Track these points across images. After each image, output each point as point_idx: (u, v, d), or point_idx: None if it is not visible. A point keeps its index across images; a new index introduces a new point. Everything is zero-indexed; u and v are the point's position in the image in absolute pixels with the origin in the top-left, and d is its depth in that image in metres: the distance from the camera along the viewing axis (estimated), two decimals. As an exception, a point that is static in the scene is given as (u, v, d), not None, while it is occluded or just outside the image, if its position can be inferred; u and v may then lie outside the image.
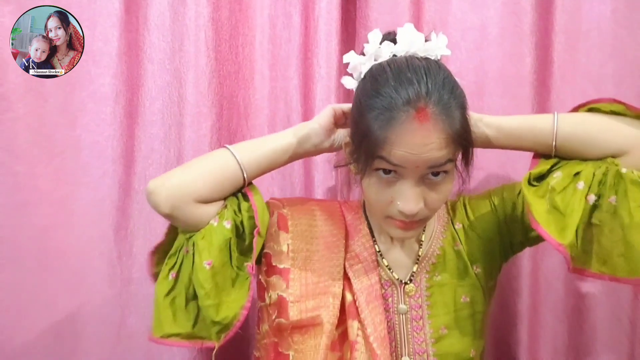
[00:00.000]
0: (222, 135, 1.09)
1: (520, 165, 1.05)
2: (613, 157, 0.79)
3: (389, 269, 0.88)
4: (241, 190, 0.86)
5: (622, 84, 1.06)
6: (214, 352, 0.82)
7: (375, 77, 0.76)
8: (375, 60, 0.79)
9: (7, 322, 1.05)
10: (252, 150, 0.86)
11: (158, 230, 1.07)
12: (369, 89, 0.75)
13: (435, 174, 0.75)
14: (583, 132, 0.80)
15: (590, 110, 0.83)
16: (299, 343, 0.82)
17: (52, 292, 1.06)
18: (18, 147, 1.04)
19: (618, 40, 1.06)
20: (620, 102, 0.80)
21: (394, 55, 0.78)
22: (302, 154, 0.89)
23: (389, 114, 0.71)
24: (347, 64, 0.82)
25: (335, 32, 1.07)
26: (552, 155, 0.83)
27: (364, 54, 0.80)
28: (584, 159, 0.80)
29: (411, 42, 0.77)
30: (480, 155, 1.05)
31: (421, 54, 0.78)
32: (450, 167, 0.76)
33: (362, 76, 0.80)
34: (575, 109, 0.85)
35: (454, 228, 0.90)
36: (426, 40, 0.79)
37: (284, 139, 0.87)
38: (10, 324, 1.05)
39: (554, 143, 0.81)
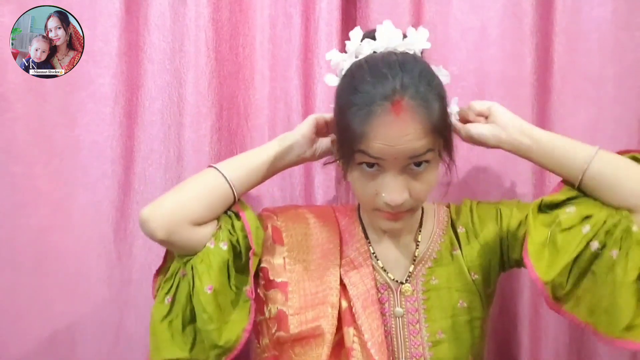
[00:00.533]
0: (222, 136, 1.09)
1: (520, 166, 1.05)
2: (630, 210, 0.76)
3: (384, 271, 0.87)
4: (231, 208, 0.86)
5: (623, 85, 1.06)
6: None
7: (354, 74, 0.77)
8: (356, 57, 0.81)
9: (5, 323, 1.04)
10: (239, 167, 0.86)
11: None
12: (348, 86, 0.77)
13: (418, 164, 0.76)
14: (610, 175, 0.78)
15: (633, 158, 0.80)
16: (301, 355, 0.82)
17: (51, 293, 1.06)
18: (17, 147, 1.04)
19: (618, 41, 1.06)
20: None
21: (374, 52, 0.79)
22: (285, 165, 0.90)
23: (367, 108, 0.73)
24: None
25: (336, 33, 1.07)
26: (576, 186, 0.81)
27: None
28: (603, 202, 0.78)
29: (389, 39, 0.79)
30: (480, 155, 1.05)
31: (401, 49, 0.79)
32: (432, 156, 0.76)
33: (343, 73, 0.81)
34: (620, 153, 0.82)
35: (456, 232, 0.90)
36: (405, 36, 0.80)
37: (268, 153, 0.87)
38: (8, 326, 1.04)
39: (581, 175, 0.79)
